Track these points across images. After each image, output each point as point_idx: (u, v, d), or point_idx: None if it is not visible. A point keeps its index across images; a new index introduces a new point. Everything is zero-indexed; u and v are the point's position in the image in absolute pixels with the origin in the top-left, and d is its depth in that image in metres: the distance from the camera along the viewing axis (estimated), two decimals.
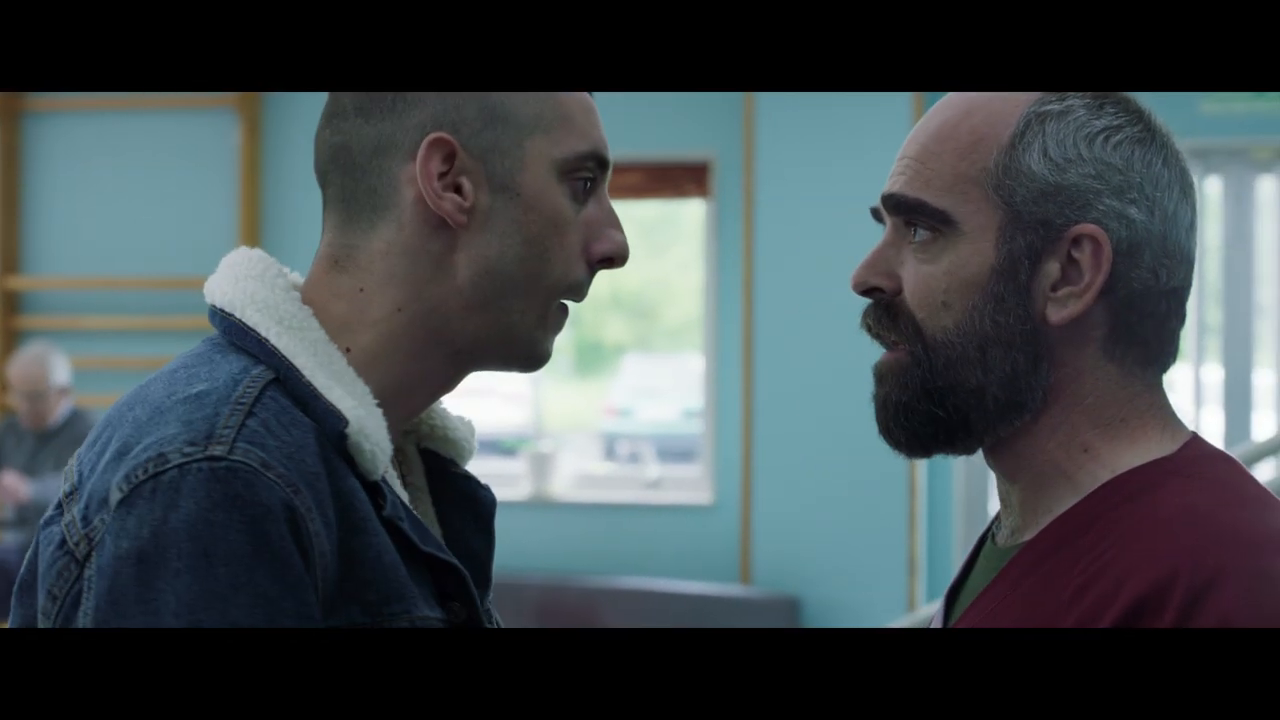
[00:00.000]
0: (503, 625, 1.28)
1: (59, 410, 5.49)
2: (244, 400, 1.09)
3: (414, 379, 1.20)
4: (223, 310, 1.18)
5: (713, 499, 5.91)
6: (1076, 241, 1.15)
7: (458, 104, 1.18)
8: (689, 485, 6.15)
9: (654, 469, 6.42)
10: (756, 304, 5.55)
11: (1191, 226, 1.19)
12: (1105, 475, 1.16)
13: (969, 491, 5.58)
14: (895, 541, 5.43)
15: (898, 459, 1.29)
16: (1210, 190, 5.50)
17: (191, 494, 1.03)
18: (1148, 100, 1.20)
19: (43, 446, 5.48)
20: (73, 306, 6.29)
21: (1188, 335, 1.24)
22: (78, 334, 6.17)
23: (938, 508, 5.58)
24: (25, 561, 1.15)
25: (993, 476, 1.25)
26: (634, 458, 7.11)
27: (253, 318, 1.16)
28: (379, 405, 1.16)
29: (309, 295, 1.20)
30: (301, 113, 6.05)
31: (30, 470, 5.39)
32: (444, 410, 1.30)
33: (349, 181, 1.19)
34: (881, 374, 1.20)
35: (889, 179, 1.21)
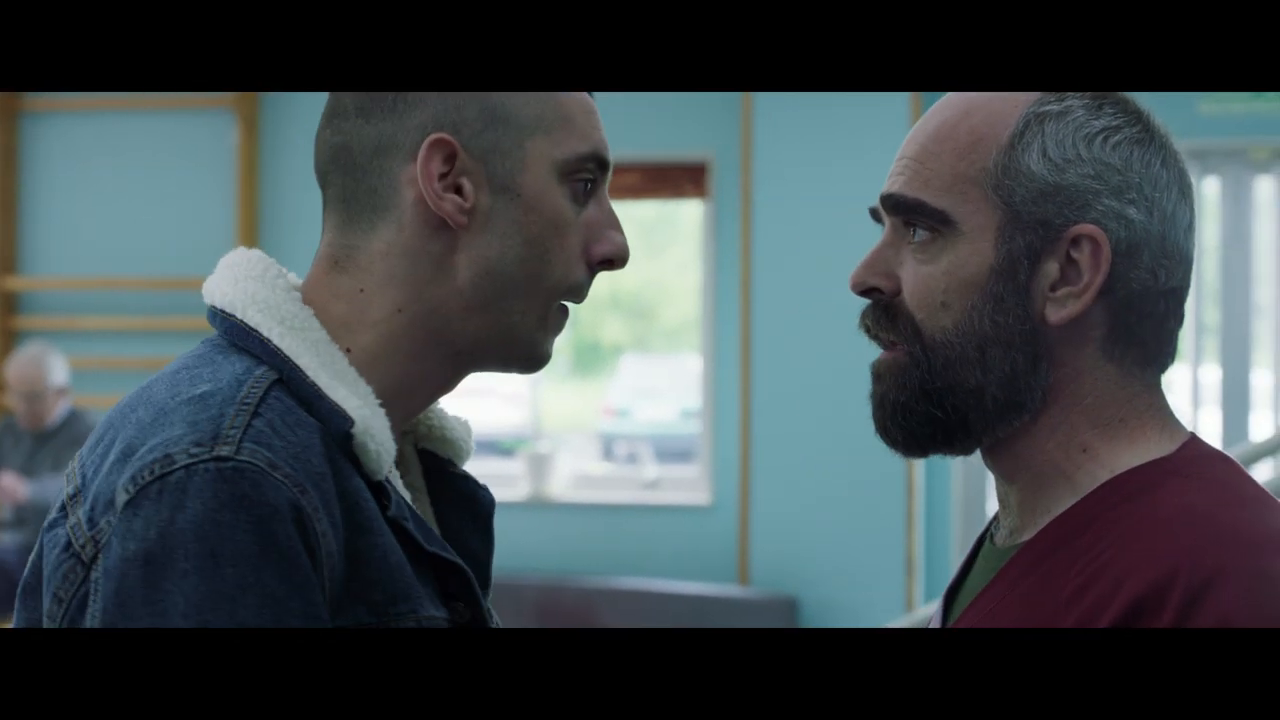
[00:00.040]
0: (501, 626, 1.28)
1: (57, 411, 5.48)
2: (249, 401, 1.09)
3: (414, 379, 1.20)
4: (223, 311, 1.18)
5: (710, 499, 5.91)
6: (1075, 242, 1.15)
7: (459, 105, 1.18)
8: (687, 486, 6.16)
9: (652, 469, 6.42)
10: (754, 304, 5.55)
11: (1190, 227, 1.19)
12: (1104, 475, 1.16)
13: (967, 492, 5.59)
14: (893, 542, 5.43)
15: (896, 459, 1.29)
16: (1208, 191, 5.51)
17: (198, 495, 1.03)
18: (1146, 100, 1.20)
19: (40, 447, 5.48)
20: (70, 307, 6.28)
21: (1185, 335, 1.24)
22: (75, 334, 6.16)
23: (936, 508, 5.58)
24: (29, 564, 1.14)
25: (991, 477, 1.25)
26: (632, 458, 7.11)
27: (254, 318, 1.16)
28: (381, 405, 1.16)
29: (309, 296, 1.20)
30: (299, 113, 6.05)
31: (28, 471, 5.39)
32: (441, 410, 1.30)
33: (349, 182, 1.19)
34: (879, 372, 1.20)
35: (888, 179, 1.21)
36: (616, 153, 1.24)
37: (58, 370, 5.47)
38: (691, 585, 5.62)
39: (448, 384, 1.24)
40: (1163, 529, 1.08)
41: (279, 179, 6.12)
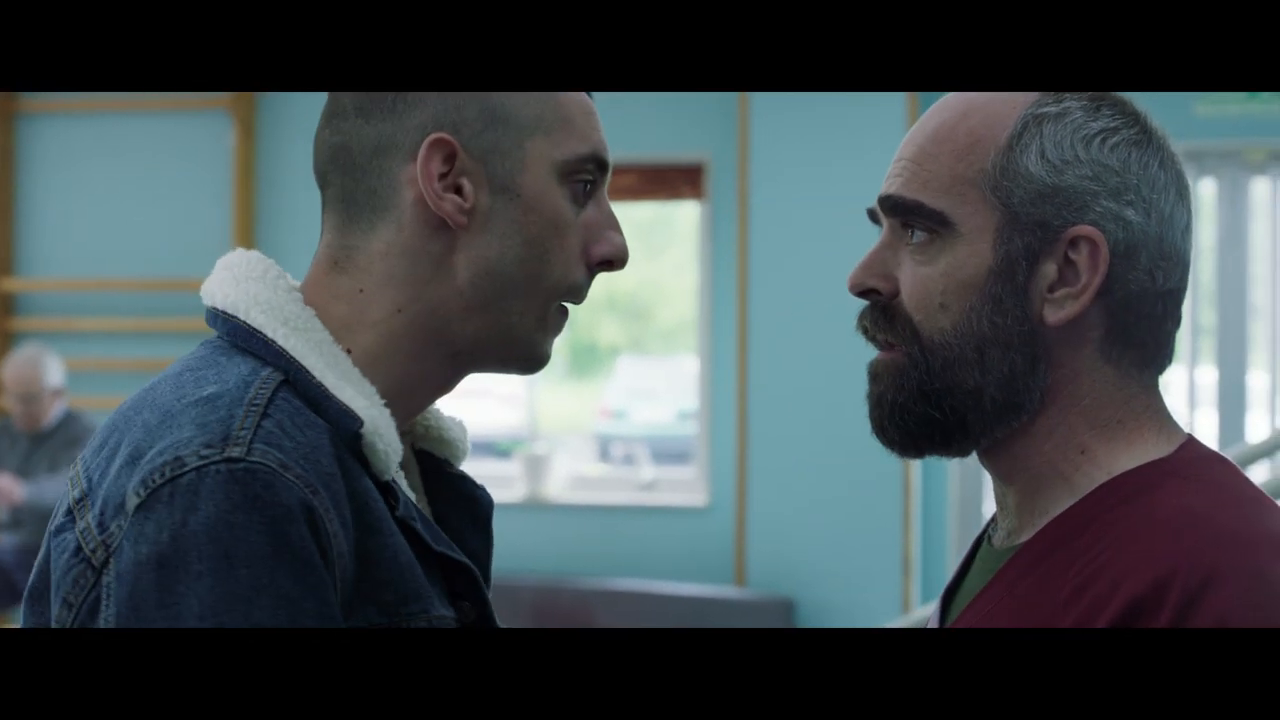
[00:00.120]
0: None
1: (53, 412, 5.48)
2: (257, 402, 1.09)
3: (414, 380, 1.20)
4: (225, 312, 1.18)
5: (707, 501, 5.91)
6: (1074, 243, 1.15)
7: (458, 105, 1.18)
8: (683, 487, 6.16)
9: (648, 471, 6.42)
10: (751, 305, 5.55)
11: (1187, 228, 1.19)
12: (1101, 477, 1.16)
13: (964, 493, 5.59)
14: (890, 543, 5.43)
15: (893, 460, 1.30)
16: (1204, 192, 5.51)
17: (210, 496, 1.03)
18: (1142, 102, 1.20)
19: (36, 448, 5.47)
20: (67, 308, 6.28)
21: (1182, 337, 1.24)
22: (72, 335, 6.16)
23: (932, 509, 5.58)
24: (35, 569, 1.13)
25: (987, 478, 1.25)
26: (628, 459, 7.11)
27: (258, 319, 1.16)
28: (385, 406, 1.17)
29: (309, 297, 1.20)
30: (296, 114, 6.05)
31: (24, 472, 5.38)
32: (437, 411, 1.30)
33: (349, 182, 1.19)
34: (877, 372, 1.20)
35: (886, 180, 1.21)
36: (613, 154, 1.24)
37: (53, 371, 5.47)
38: (688, 586, 5.62)
39: (447, 384, 1.24)
40: (1160, 530, 1.08)
41: (275, 180, 6.11)
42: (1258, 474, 4.48)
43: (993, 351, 1.16)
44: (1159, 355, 1.19)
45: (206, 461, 1.04)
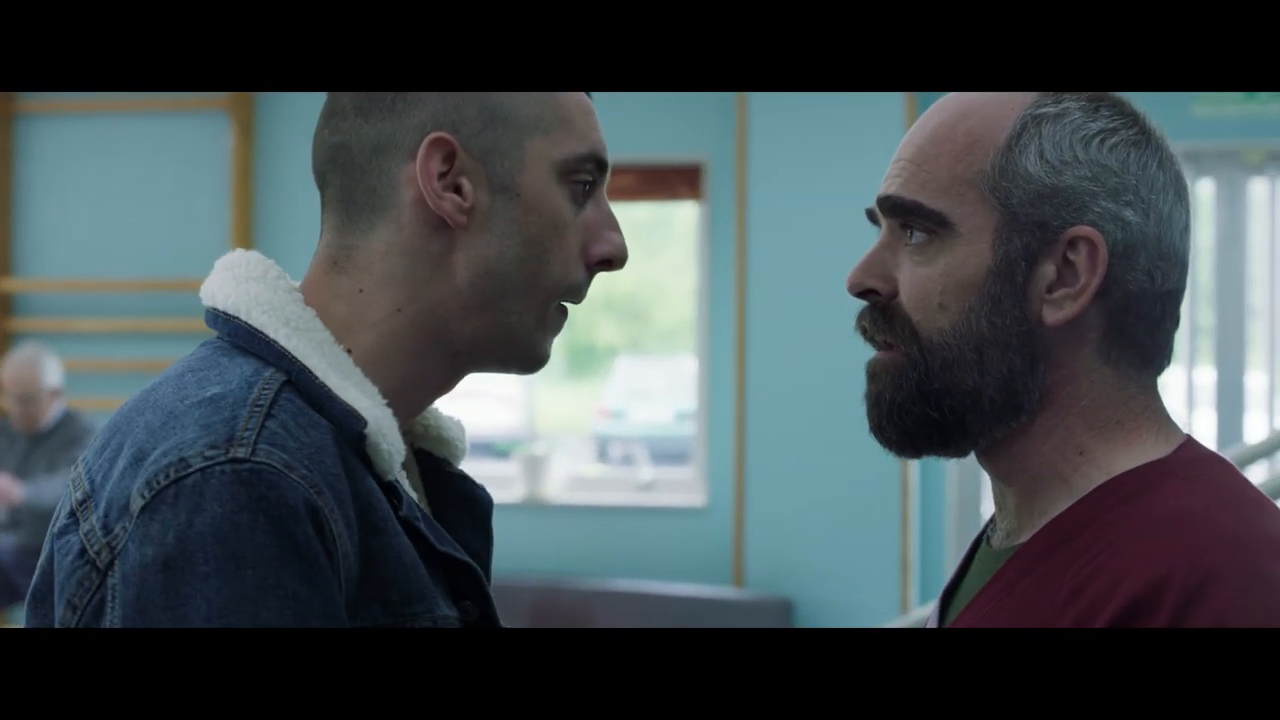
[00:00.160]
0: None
1: (51, 412, 5.48)
2: (261, 402, 1.09)
3: (414, 380, 1.20)
4: (225, 313, 1.18)
5: (706, 501, 5.91)
6: (1072, 243, 1.15)
7: (458, 104, 1.18)
8: (682, 487, 6.15)
9: (647, 471, 6.42)
10: (749, 306, 5.55)
11: (1186, 229, 1.19)
12: (1100, 477, 1.16)
13: (962, 493, 5.59)
14: (888, 543, 5.43)
15: (891, 461, 1.30)
16: (1202, 193, 5.51)
17: (216, 497, 1.03)
18: (1140, 103, 1.20)
19: (34, 449, 5.47)
20: (65, 309, 6.28)
21: (1180, 337, 1.24)
22: (70, 336, 6.16)
23: (931, 509, 5.59)
24: (38, 571, 1.13)
25: (986, 478, 1.25)
26: (627, 460, 7.11)
27: (259, 319, 1.16)
28: (388, 406, 1.17)
29: (308, 297, 1.20)
30: (294, 115, 6.05)
31: (22, 473, 5.38)
32: (436, 410, 1.30)
33: (348, 182, 1.19)
34: (875, 371, 1.20)
35: (884, 181, 1.21)
36: (611, 155, 1.24)
37: (52, 372, 5.47)
38: (687, 587, 5.62)
39: (446, 384, 1.24)
40: (1159, 530, 1.08)
41: (274, 181, 6.11)
42: (1256, 474, 4.48)
43: (991, 352, 1.16)
44: (1157, 356, 1.19)
45: (211, 462, 1.04)
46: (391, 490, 1.15)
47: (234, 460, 1.04)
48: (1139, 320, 1.17)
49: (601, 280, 1.28)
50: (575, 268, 1.21)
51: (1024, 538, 1.18)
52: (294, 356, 1.14)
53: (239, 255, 1.22)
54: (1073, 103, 1.17)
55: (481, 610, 1.20)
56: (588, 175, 1.21)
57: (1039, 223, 1.15)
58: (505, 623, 1.24)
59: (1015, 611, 1.13)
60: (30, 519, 5.22)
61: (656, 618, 5.43)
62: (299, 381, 1.13)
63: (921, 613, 3.92)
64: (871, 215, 1.23)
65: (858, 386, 1.22)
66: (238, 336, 1.16)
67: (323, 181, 1.22)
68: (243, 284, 1.18)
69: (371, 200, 1.18)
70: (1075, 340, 1.16)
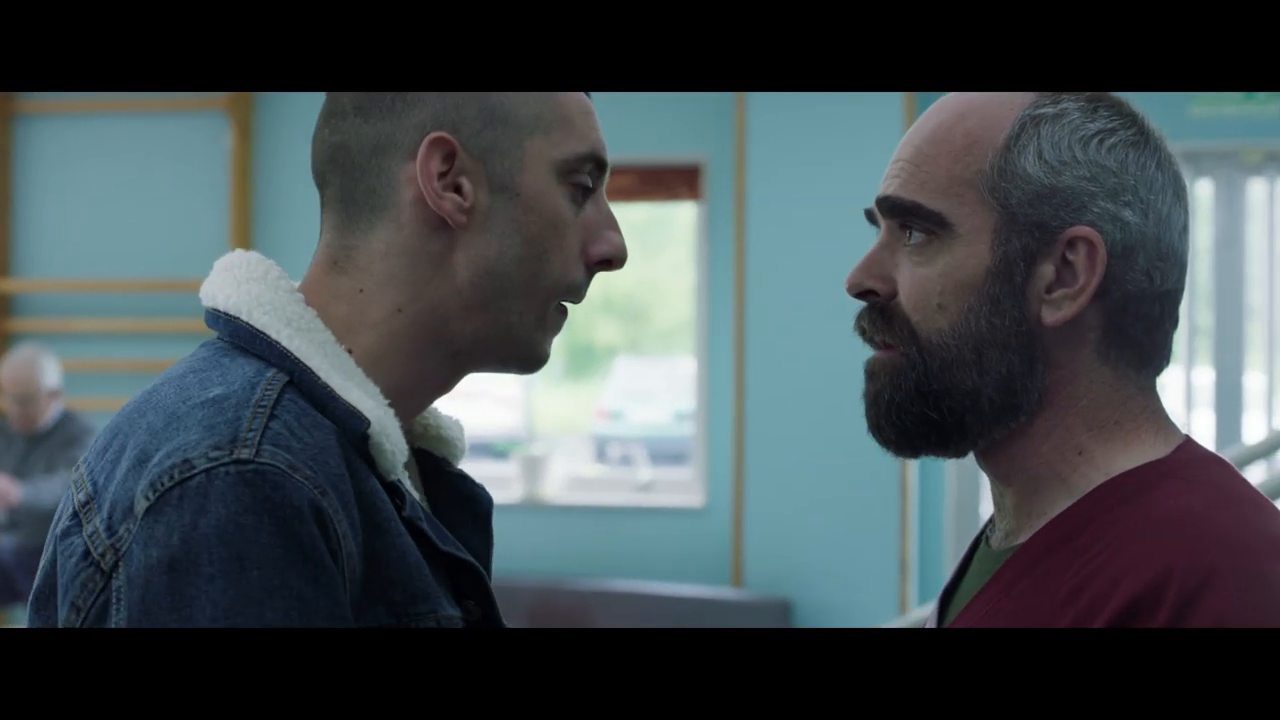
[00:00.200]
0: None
1: (49, 413, 5.48)
2: (264, 403, 1.09)
3: (414, 380, 1.20)
4: (226, 314, 1.18)
5: (704, 501, 5.91)
6: (1071, 244, 1.15)
7: (458, 104, 1.18)
8: (681, 488, 6.16)
9: (645, 472, 6.42)
10: (748, 306, 5.55)
11: (1184, 229, 1.19)
12: (1099, 478, 1.16)
13: (961, 494, 5.59)
14: (887, 544, 5.43)
15: (890, 461, 1.30)
16: (1201, 193, 5.52)
17: (220, 498, 1.03)
18: (1138, 103, 1.20)
19: (33, 449, 5.47)
20: (63, 309, 6.28)
21: (1179, 338, 1.24)
22: (68, 336, 6.16)
23: (930, 510, 5.59)
24: (40, 573, 1.13)
25: (985, 478, 1.25)
26: (625, 460, 7.11)
27: (261, 320, 1.16)
28: (390, 406, 1.17)
29: (309, 297, 1.20)
30: (293, 115, 6.05)
31: (20, 473, 5.38)
32: (435, 409, 1.30)
33: (348, 182, 1.19)
34: (874, 370, 1.20)
35: (883, 181, 1.21)
36: (610, 155, 1.24)
37: (50, 373, 5.47)
38: (685, 588, 5.62)
39: (447, 384, 1.24)
40: (1158, 530, 1.08)
41: (272, 182, 6.11)
42: (1255, 475, 4.48)
43: (990, 352, 1.16)
44: (1156, 356, 1.19)
45: (215, 464, 1.04)
46: (394, 490, 1.15)
47: (238, 461, 1.04)
48: (1138, 320, 1.17)
49: (600, 280, 1.28)
50: (575, 267, 1.21)
51: (1023, 538, 1.18)
52: (296, 357, 1.14)
53: (239, 256, 1.22)
54: (1071, 103, 1.17)
55: (484, 610, 1.20)
56: (587, 175, 1.21)
57: (1038, 223, 1.15)
58: (505, 623, 1.24)
59: (1014, 612, 1.13)
60: (29, 520, 5.22)
61: (655, 618, 5.43)
62: (301, 382, 1.13)
63: (920, 613, 3.92)
64: (870, 216, 1.23)
65: (857, 387, 1.22)
66: (239, 337, 1.16)
67: (322, 181, 1.22)
68: (243, 285, 1.18)
69: (371, 200, 1.18)
70: (1074, 340, 1.16)
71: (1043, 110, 1.16)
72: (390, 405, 1.17)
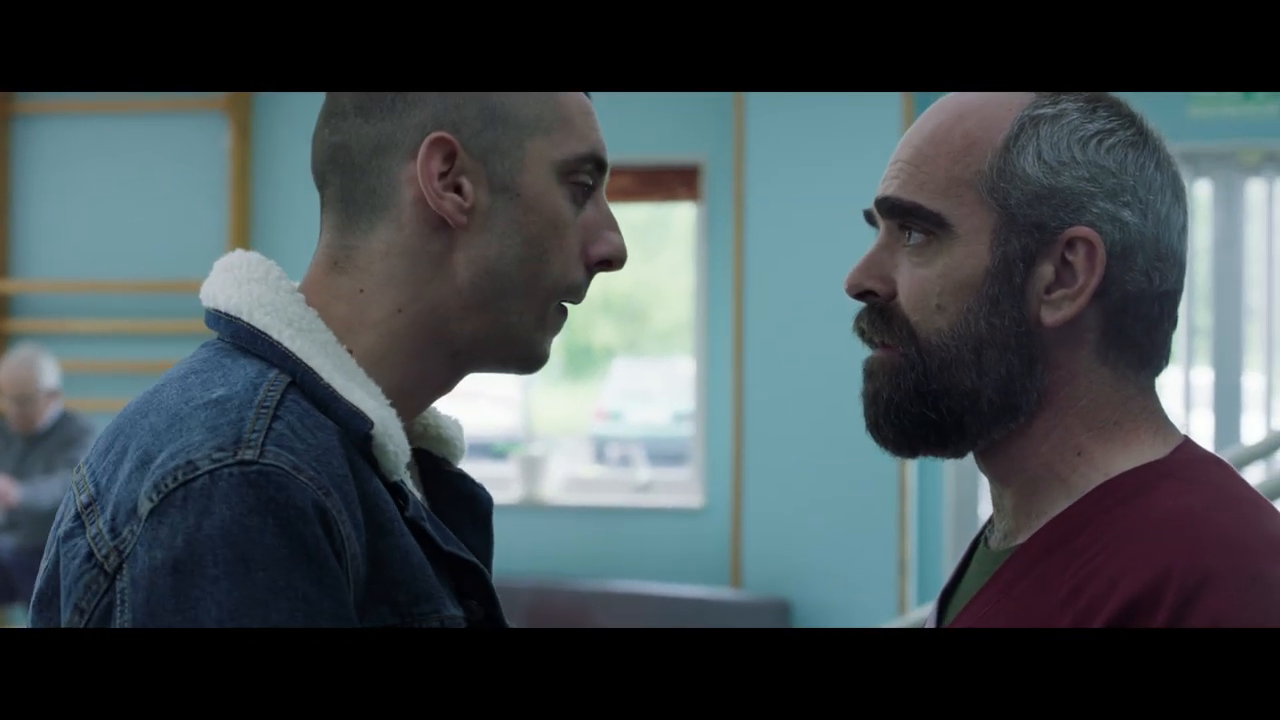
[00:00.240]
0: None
1: (48, 413, 5.48)
2: (267, 404, 1.09)
3: (415, 380, 1.20)
4: (227, 314, 1.17)
5: (703, 502, 5.91)
6: (1070, 244, 1.15)
7: (458, 104, 1.18)
8: (679, 488, 6.16)
9: (644, 472, 6.42)
10: (747, 307, 5.55)
11: (1183, 229, 1.19)
12: (1098, 478, 1.16)
13: (959, 494, 5.59)
14: (886, 544, 5.43)
15: (889, 461, 1.30)
16: (1199, 193, 5.52)
17: (224, 500, 1.03)
18: (1136, 103, 1.21)
19: (31, 450, 5.47)
20: (62, 309, 6.28)
21: (1177, 338, 1.24)
22: (67, 337, 6.16)
23: (928, 510, 5.59)
24: (43, 574, 1.13)
25: (984, 479, 1.25)
26: (624, 461, 7.11)
27: (262, 320, 1.16)
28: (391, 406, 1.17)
29: (309, 298, 1.19)
30: (292, 116, 6.05)
31: (19, 474, 5.38)
32: (434, 409, 1.30)
33: (348, 182, 1.19)
34: (872, 370, 1.20)
35: (882, 182, 1.21)
36: (609, 156, 1.24)
37: (49, 373, 5.47)
38: (684, 588, 5.62)
39: (447, 384, 1.24)
40: (1157, 531, 1.08)
41: (271, 182, 6.11)
42: (1253, 475, 4.48)
43: (990, 353, 1.16)
44: (1155, 356, 1.19)
45: (219, 465, 1.04)
46: (397, 490, 1.15)
47: (242, 462, 1.04)
48: (1137, 321, 1.17)
49: (599, 281, 1.28)
50: (575, 268, 1.21)
51: (1022, 539, 1.18)
52: (298, 358, 1.14)
53: (239, 256, 1.21)
54: (1070, 103, 1.17)
55: (487, 610, 1.20)
56: (587, 175, 1.21)
57: (1037, 223, 1.15)
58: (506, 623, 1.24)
59: (1013, 612, 1.13)
60: (28, 520, 5.22)
61: (654, 619, 5.43)
62: (304, 383, 1.13)
63: (919, 614, 3.92)
64: (869, 216, 1.23)
65: (856, 388, 1.22)
66: (240, 338, 1.16)
67: (322, 181, 1.21)
68: (244, 285, 1.18)
69: (371, 200, 1.18)
70: (1073, 341, 1.17)
71: (1042, 111, 1.17)
72: (391, 405, 1.17)
